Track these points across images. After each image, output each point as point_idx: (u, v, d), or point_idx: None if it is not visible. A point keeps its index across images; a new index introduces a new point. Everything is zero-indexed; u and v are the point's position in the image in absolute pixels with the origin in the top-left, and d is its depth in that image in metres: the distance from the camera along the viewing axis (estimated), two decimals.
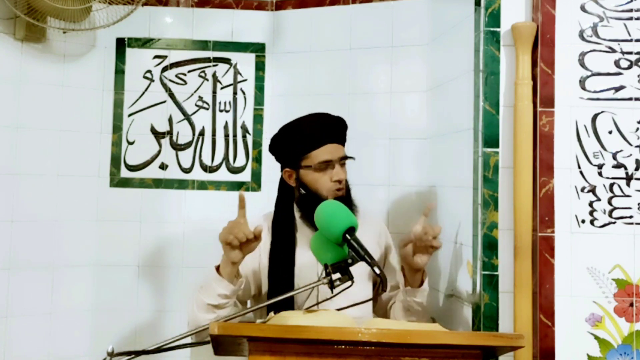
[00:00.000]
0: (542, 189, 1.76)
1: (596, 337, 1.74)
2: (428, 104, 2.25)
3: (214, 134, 2.52)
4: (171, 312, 2.44)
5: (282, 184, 1.96)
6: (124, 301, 2.44)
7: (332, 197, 1.83)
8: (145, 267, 2.46)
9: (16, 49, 2.29)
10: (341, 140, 1.92)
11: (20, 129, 2.30)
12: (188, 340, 1.45)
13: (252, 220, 1.99)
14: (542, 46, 1.78)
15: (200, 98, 2.53)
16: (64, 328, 2.37)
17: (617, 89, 1.78)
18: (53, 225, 2.37)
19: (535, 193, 1.77)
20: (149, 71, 2.51)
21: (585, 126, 1.78)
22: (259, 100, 2.53)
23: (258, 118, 2.53)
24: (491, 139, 1.81)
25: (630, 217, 1.76)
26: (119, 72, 2.50)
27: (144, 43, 2.51)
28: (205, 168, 2.51)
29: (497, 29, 1.82)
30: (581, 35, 1.80)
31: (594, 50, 1.79)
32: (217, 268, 1.75)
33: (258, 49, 2.53)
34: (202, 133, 2.52)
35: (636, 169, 1.77)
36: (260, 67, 2.53)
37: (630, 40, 1.78)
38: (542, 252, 1.74)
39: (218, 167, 2.52)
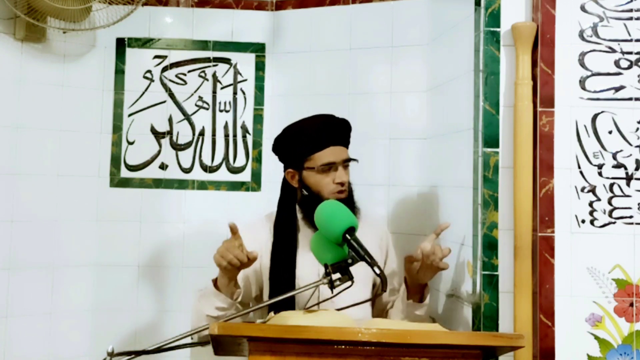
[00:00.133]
0: (542, 189, 1.76)
1: (596, 337, 1.74)
2: (428, 104, 2.25)
3: (214, 134, 2.52)
4: (171, 312, 2.44)
5: (285, 184, 1.96)
6: (124, 301, 2.44)
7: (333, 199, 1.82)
8: (145, 267, 2.46)
9: (16, 49, 2.29)
10: (345, 142, 1.92)
11: (20, 129, 2.30)
12: (188, 340, 1.45)
13: (254, 221, 2.01)
14: (542, 46, 1.78)
15: (200, 98, 2.53)
16: (64, 328, 2.37)
17: (617, 89, 1.78)
18: (53, 225, 2.37)
19: (535, 193, 1.77)
20: (149, 71, 2.51)
21: (585, 126, 1.78)
22: (259, 100, 2.53)
23: (258, 118, 2.53)
24: (491, 139, 1.81)
25: (630, 217, 1.76)
26: (119, 72, 2.50)
27: (144, 43, 2.51)
28: (205, 168, 2.51)
29: (497, 29, 1.82)
30: (581, 35, 1.80)
31: (594, 50, 1.79)
32: (215, 281, 1.76)
33: (258, 49, 2.53)
34: (202, 133, 2.52)
35: (636, 169, 1.77)
36: (260, 67, 2.53)
37: (630, 40, 1.78)
38: (542, 252, 1.74)
39: (218, 167, 2.52)
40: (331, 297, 1.54)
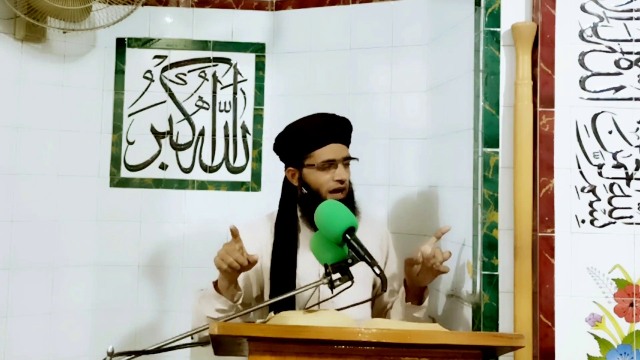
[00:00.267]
0: (542, 189, 1.76)
1: (596, 337, 1.74)
2: (428, 104, 2.25)
3: (214, 134, 2.52)
4: (171, 312, 2.44)
5: (286, 183, 1.96)
6: (124, 301, 2.44)
7: (333, 197, 1.82)
8: (145, 267, 2.46)
9: (16, 49, 2.29)
10: (345, 140, 1.92)
11: (20, 129, 2.30)
12: (188, 340, 1.45)
13: (255, 221, 2.01)
14: (542, 46, 1.78)
15: (200, 98, 2.53)
16: (64, 328, 2.37)
17: (617, 89, 1.78)
18: (53, 225, 2.37)
19: (535, 193, 1.77)
20: (149, 71, 2.51)
21: (585, 126, 1.78)
22: (259, 100, 2.53)
23: (258, 118, 2.53)
24: (491, 139, 1.81)
25: (630, 217, 1.76)
26: (119, 72, 2.50)
27: (144, 43, 2.51)
28: (205, 168, 2.51)
29: (497, 29, 1.82)
30: (581, 35, 1.79)
31: (594, 50, 1.79)
32: (216, 283, 1.76)
33: (258, 49, 2.53)
34: (202, 133, 2.52)
35: (636, 169, 1.77)
36: (260, 67, 2.53)
37: (630, 40, 1.78)
38: (542, 252, 1.74)
39: (218, 167, 2.52)
40: (331, 297, 1.54)
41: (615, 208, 1.76)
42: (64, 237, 2.39)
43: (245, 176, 2.52)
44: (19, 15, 2.16)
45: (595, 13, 1.79)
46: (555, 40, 1.78)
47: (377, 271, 1.45)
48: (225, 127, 2.53)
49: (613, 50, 1.79)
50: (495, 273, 1.78)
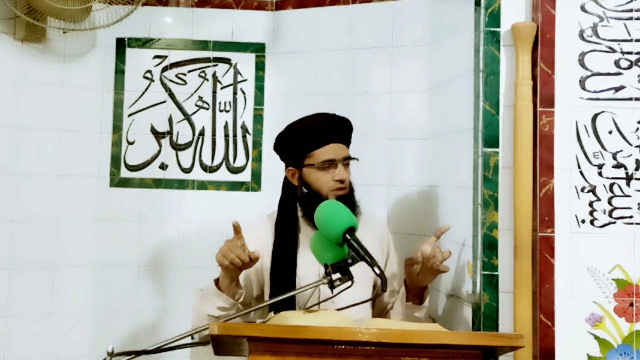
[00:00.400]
0: (542, 189, 1.76)
1: (596, 337, 1.74)
2: (428, 104, 2.25)
3: (214, 134, 2.52)
4: (171, 312, 2.44)
5: (286, 183, 1.96)
6: (124, 301, 2.44)
7: (333, 197, 1.83)
8: (145, 267, 2.46)
9: (16, 49, 2.29)
10: (345, 140, 1.92)
11: (20, 129, 2.30)
12: (188, 340, 1.45)
13: (255, 221, 2.01)
14: (542, 46, 1.78)
15: (200, 98, 2.53)
16: (64, 328, 2.37)
17: (617, 89, 1.78)
18: (53, 225, 2.37)
19: (535, 193, 1.77)
20: (149, 71, 2.51)
21: (585, 126, 1.78)
22: (259, 100, 2.53)
23: (258, 118, 2.53)
24: (491, 139, 1.81)
25: (630, 217, 1.76)
26: (119, 72, 2.50)
27: (144, 43, 2.51)
28: (205, 168, 2.51)
29: (497, 29, 1.82)
30: (581, 35, 1.80)
31: (594, 50, 1.79)
32: (217, 281, 1.76)
33: (258, 49, 2.53)
34: (202, 133, 2.52)
35: (636, 169, 1.77)
36: (260, 67, 2.53)
37: (630, 40, 1.78)
38: (542, 252, 1.74)
39: (218, 167, 2.52)
40: (331, 297, 1.54)
41: (615, 208, 1.76)
42: (64, 237, 2.39)
43: (245, 176, 2.52)
44: (19, 15, 2.16)
45: (595, 13, 1.79)
46: (555, 40, 1.78)
47: (377, 271, 1.45)
48: (225, 127, 2.53)
49: (613, 50, 1.79)
50: (495, 273, 1.78)
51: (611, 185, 1.77)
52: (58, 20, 2.23)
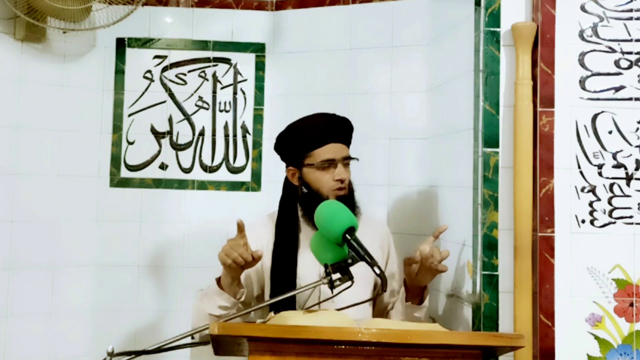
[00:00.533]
0: (542, 189, 1.76)
1: (596, 337, 1.74)
2: (428, 104, 2.25)
3: (214, 134, 2.52)
4: (171, 312, 2.44)
5: (287, 183, 1.96)
6: (124, 301, 2.44)
7: (333, 197, 1.83)
8: (145, 267, 2.46)
9: (16, 49, 2.29)
10: (346, 140, 1.92)
11: (20, 129, 2.30)
12: (188, 340, 1.45)
13: (256, 221, 2.01)
14: (542, 46, 1.78)
15: (200, 98, 2.53)
16: (64, 328, 2.37)
17: (617, 89, 1.78)
18: (53, 225, 2.37)
19: (535, 193, 1.77)
20: (149, 71, 2.51)
21: (585, 126, 1.78)
22: (259, 100, 2.53)
23: (258, 118, 2.53)
24: (491, 139, 1.81)
25: (630, 217, 1.76)
26: (119, 72, 2.50)
27: (144, 43, 2.51)
28: (205, 168, 2.51)
29: (497, 29, 1.82)
30: (581, 35, 1.80)
31: (594, 50, 1.79)
32: (219, 280, 1.76)
33: (258, 49, 2.53)
34: (202, 133, 2.52)
35: (636, 169, 1.77)
36: (260, 67, 2.53)
37: (630, 40, 1.78)
38: (542, 252, 1.74)
39: (218, 167, 2.52)
40: (331, 297, 1.54)
41: (615, 208, 1.76)
42: (64, 237, 2.39)
43: (245, 176, 2.52)
44: (19, 15, 2.16)
45: (595, 13, 1.79)
46: (555, 40, 1.78)
47: (377, 271, 1.45)
48: (225, 127, 2.53)
49: (613, 50, 1.79)
50: (495, 273, 1.78)
51: (611, 185, 1.77)
52: (58, 20, 2.23)
